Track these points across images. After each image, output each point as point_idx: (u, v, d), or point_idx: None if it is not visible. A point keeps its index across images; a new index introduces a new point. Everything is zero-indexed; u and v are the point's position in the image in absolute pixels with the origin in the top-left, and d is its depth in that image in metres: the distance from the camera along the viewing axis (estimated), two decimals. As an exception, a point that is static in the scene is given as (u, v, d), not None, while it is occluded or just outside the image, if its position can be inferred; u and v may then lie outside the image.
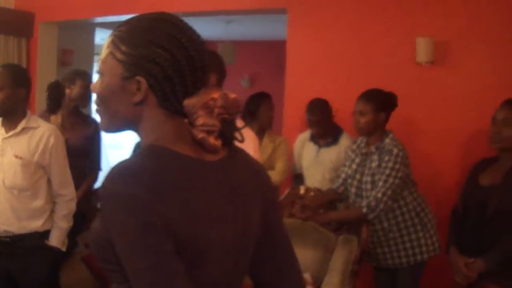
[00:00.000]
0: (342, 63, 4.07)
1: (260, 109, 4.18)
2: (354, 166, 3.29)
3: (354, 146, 3.36)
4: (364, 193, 3.17)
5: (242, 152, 1.33)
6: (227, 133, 1.22)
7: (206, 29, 7.58)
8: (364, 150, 3.27)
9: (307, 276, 3.01)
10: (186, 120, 1.20)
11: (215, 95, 1.19)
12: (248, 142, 2.17)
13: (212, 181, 1.19)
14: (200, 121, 1.17)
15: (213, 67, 2.44)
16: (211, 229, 1.15)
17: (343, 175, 3.36)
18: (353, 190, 3.26)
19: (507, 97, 3.68)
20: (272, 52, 7.43)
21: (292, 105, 4.29)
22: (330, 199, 3.37)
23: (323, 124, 3.89)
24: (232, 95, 1.21)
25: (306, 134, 4.11)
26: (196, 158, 1.18)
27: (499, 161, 2.87)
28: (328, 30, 4.17)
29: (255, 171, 1.34)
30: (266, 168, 4.02)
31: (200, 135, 1.17)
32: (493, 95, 3.75)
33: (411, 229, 3.19)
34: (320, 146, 3.96)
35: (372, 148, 3.19)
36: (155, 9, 1.30)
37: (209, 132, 1.17)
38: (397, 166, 3.04)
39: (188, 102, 1.18)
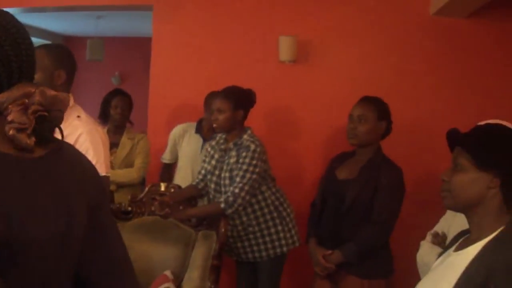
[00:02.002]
0: (207, 62, 4.09)
1: (110, 107, 4.13)
2: (213, 162, 3.33)
3: (213, 143, 3.39)
4: (223, 189, 3.21)
5: (70, 150, 1.30)
6: (42, 131, 1.17)
7: (76, 24, 7.36)
8: (223, 147, 3.31)
9: (168, 273, 2.99)
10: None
11: (31, 90, 1.15)
12: (89, 140, 2.14)
13: (30, 179, 1.15)
14: (10, 117, 1.13)
15: (61, 63, 2.38)
16: (28, 228, 1.11)
17: (203, 171, 3.38)
18: (212, 186, 3.29)
19: (359, 96, 3.90)
20: (141, 49, 7.37)
21: (157, 104, 4.23)
22: (190, 195, 3.38)
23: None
24: (52, 92, 1.18)
25: (188, 125, 4.01)
26: (13, 156, 1.14)
27: (355, 156, 3.02)
28: (192, 28, 4.17)
29: (82, 169, 1.31)
30: (125, 165, 3.97)
31: (10, 132, 1.12)
32: (353, 93, 3.92)
33: (270, 223, 3.27)
34: (205, 140, 3.84)
35: (231, 145, 3.23)
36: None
37: (19, 130, 1.13)
38: (254, 162, 3.11)
39: (1, 97, 1.14)
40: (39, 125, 1.16)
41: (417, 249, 2.50)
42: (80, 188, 1.26)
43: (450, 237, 2.43)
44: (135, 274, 1.40)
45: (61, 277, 1.24)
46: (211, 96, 3.64)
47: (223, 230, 3.07)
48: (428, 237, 2.54)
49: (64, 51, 2.50)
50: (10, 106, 1.13)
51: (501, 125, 1.69)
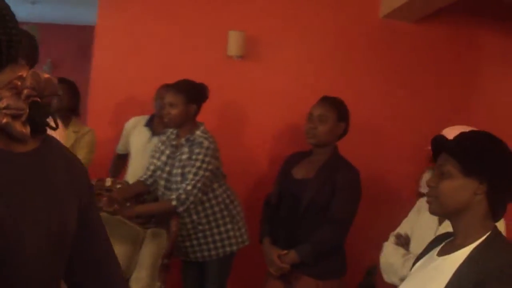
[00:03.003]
0: (154, 54, 3.94)
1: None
2: (163, 158, 3.21)
3: (164, 138, 3.28)
4: (174, 186, 3.11)
5: (56, 142, 1.18)
6: (37, 119, 1.05)
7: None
8: (174, 142, 3.20)
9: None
10: None
11: (23, 73, 1.03)
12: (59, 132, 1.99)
13: (22, 175, 1.03)
14: (3, 103, 1.00)
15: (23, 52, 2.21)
16: (20, 227, 1.00)
17: (152, 167, 3.26)
18: (162, 182, 3.18)
19: (312, 93, 3.90)
20: (77, 37, 7.12)
21: (99, 95, 4.03)
22: (138, 192, 3.25)
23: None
24: (45, 75, 1.06)
25: (142, 118, 3.82)
26: (5, 150, 1.01)
27: (312, 156, 3.00)
28: (140, 20, 4.00)
29: (71, 164, 1.20)
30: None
31: (4, 120, 0.99)
32: (300, 90, 3.94)
33: (220, 221, 3.20)
34: (154, 134, 3.67)
35: (182, 140, 3.14)
36: None
37: (15, 117, 1.00)
38: (207, 159, 3.03)
39: None
40: (32, 113, 1.04)
41: (377, 250, 2.52)
42: (72, 185, 1.16)
43: (414, 239, 2.46)
44: (122, 275, 1.34)
45: (55, 276, 1.15)
46: (163, 88, 3.53)
47: (175, 228, 2.97)
48: (391, 238, 2.56)
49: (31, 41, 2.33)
50: (1, 90, 1.01)
51: (486, 132, 1.71)
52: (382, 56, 4.02)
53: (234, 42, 3.85)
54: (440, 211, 1.74)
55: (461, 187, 1.65)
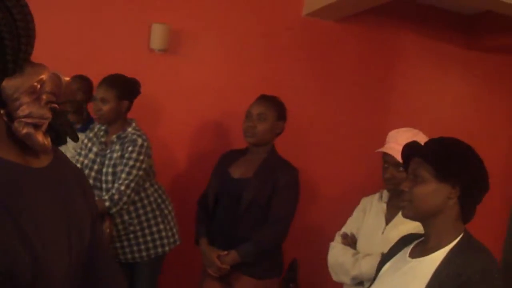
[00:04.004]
0: (74, 45, 3.67)
1: None
2: (91, 155, 3.04)
3: (91, 134, 3.10)
4: (104, 185, 2.95)
5: (61, 152, 1.07)
6: (58, 128, 0.95)
7: None
8: (103, 139, 3.05)
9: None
10: (1, 111, 0.88)
11: (43, 75, 0.91)
12: None
13: (43, 193, 0.92)
14: (24, 110, 0.87)
15: None
16: (47, 248, 0.90)
17: (78, 165, 3.08)
18: (90, 181, 3.00)
19: (235, 89, 3.89)
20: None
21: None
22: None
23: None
24: (65, 78, 0.96)
25: None
26: (20, 165, 0.89)
27: (249, 154, 2.95)
28: (61, 11, 3.73)
29: (79, 176, 1.10)
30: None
31: (25, 130, 0.87)
32: (222, 85, 3.91)
33: (152, 222, 3.09)
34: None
35: (113, 137, 2.99)
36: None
37: (36, 126, 0.89)
38: (141, 157, 2.91)
39: (9, 84, 0.87)
40: (53, 121, 0.93)
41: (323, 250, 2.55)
42: (85, 198, 1.08)
43: (360, 238, 2.51)
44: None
45: None
46: (75, 80, 3.36)
47: (108, 230, 2.83)
48: (338, 238, 2.60)
49: None
50: (21, 95, 0.88)
51: (455, 139, 1.77)
52: (304, 53, 4.08)
53: (157, 35, 3.72)
54: (414, 215, 1.79)
55: (434, 191, 1.72)
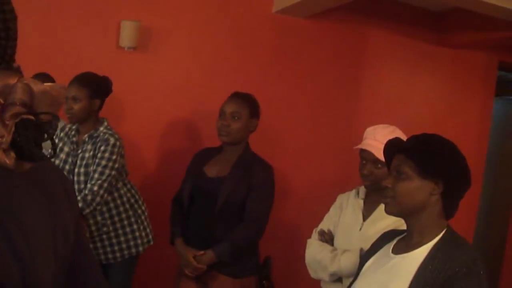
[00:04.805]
0: (44, 44, 3.55)
1: None
2: (62, 156, 2.98)
3: (62, 134, 3.04)
4: (76, 186, 2.89)
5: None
6: (23, 145, 0.84)
7: None
8: (74, 139, 2.99)
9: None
10: None
11: (9, 82, 0.83)
12: None
13: (26, 199, 0.88)
14: None
15: None
16: (33, 252, 0.86)
17: (48, 165, 3.00)
18: (62, 182, 2.94)
19: (205, 88, 3.86)
20: None
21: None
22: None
23: None
24: (41, 86, 0.86)
25: None
26: (1, 169, 0.83)
27: (223, 153, 2.93)
28: (28, 8, 3.61)
29: (62, 177, 1.06)
30: None
31: None
32: (192, 83, 3.87)
33: (125, 222, 3.04)
34: None
35: (85, 137, 2.93)
36: None
37: None
38: (114, 157, 2.87)
39: None
40: (21, 135, 0.84)
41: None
42: (69, 201, 1.03)
43: (338, 234, 2.52)
44: None
45: None
46: (38, 77, 3.26)
47: (83, 231, 2.77)
48: (315, 235, 2.60)
49: None
50: None
51: (438, 135, 1.79)
52: (275, 50, 4.07)
53: (126, 33, 3.64)
54: (397, 211, 1.80)
55: (418, 188, 1.73)
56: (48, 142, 0.90)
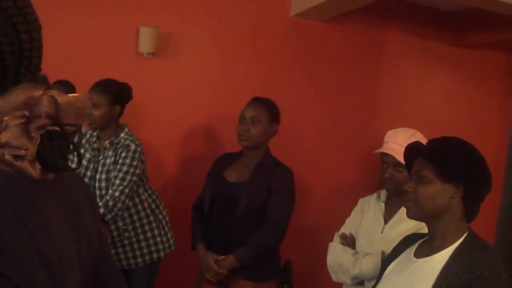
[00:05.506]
0: (63, 51, 3.55)
1: None
2: (84, 162, 3.01)
3: (83, 141, 3.07)
4: (98, 192, 2.92)
5: None
6: (48, 157, 0.85)
7: None
8: (95, 145, 3.02)
9: None
10: None
11: (34, 94, 0.83)
12: None
13: (52, 206, 0.88)
14: (3, 137, 0.80)
15: None
16: (62, 262, 0.87)
17: (70, 172, 3.03)
18: (84, 188, 2.97)
19: (225, 92, 3.87)
20: None
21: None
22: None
23: None
24: (66, 98, 0.86)
25: None
26: (28, 178, 0.84)
27: (244, 158, 2.94)
28: (47, 15, 3.64)
29: (84, 184, 1.08)
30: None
31: (6, 157, 0.81)
32: (212, 89, 3.88)
33: (146, 227, 3.06)
34: None
35: (106, 143, 2.96)
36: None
37: (17, 157, 0.81)
38: (135, 163, 2.89)
39: None
40: (46, 146, 0.85)
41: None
42: (92, 209, 1.04)
43: (359, 238, 2.52)
44: None
45: None
46: (56, 84, 3.29)
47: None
48: (336, 238, 2.60)
49: None
50: (6, 118, 0.81)
51: (458, 138, 1.78)
52: (293, 54, 4.08)
53: (145, 39, 3.67)
54: (419, 215, 1.80)
55: (439, 191, 1.73)
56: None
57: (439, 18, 4.40)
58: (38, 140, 0.83)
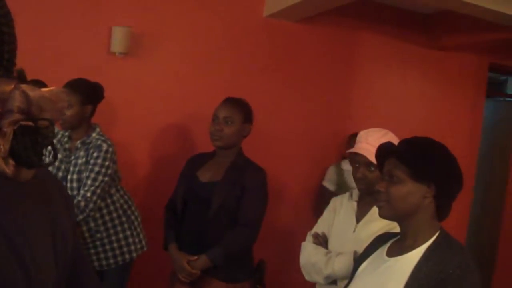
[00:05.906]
0: (35, 50, 3.50)
1: None
2: (55, 162, 2.97)
3: (54, 141, 3.02)
4: (69, 193, 2.88)
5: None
6: (21, 153, 0.83)
7: None
8: (67, 145, 2.98)
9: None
10: None
11: (5, 89, 0.82)
12: None
13: (27, 206, 0.87)
14: None
15: None
16: (33, 270, 0.85)
17: (41, 173, 2.99)
18: (55, 189, 2.93)
19: (196, 92, 3.85)
20: None
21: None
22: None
23: None
24: (39, 92, 0.85)
25: None
26: (3, 178, 0.83)
27: (216, 158, 2.93)
28: (19, 14, 3.58)
29: (58, 183, 1.07)
30: None
31: None
32: (184, 89, 3.87)
33: (118, 228, 3.04)
34: None
35: (78, 143, 2.93)
36: None
37: None
38: (106, 163, 2.87)
39: None
40: (19, 141, 0.83)
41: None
42: (67, 207, 1.03)
43: (332, 237, 2.52)
44: None
45: None
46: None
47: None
48: (309, 238, 2.60)
49: None
50: None
51: (429, 138, 1.80)
52: (266, 54, 4.09)
53: (117, 38, 3.65)
54: (391, 215, 1.81)
55: (410, 191, 1.74)
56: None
57: (412, 20, 4.46)
58: (11, 136, 0.82)
